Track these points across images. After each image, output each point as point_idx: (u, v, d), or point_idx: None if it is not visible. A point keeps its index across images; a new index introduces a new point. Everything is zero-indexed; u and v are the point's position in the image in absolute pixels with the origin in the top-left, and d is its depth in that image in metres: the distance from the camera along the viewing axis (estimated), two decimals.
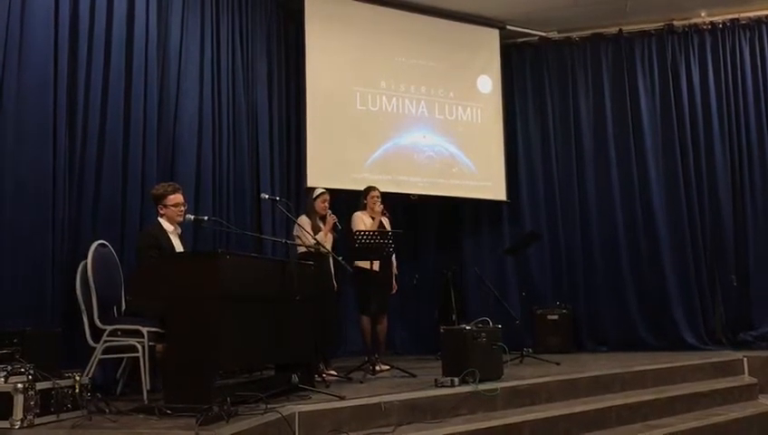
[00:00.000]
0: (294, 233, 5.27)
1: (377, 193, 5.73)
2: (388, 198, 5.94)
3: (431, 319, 7.26)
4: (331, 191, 5.54)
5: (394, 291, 5.87)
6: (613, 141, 7.56)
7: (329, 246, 5.36)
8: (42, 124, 4.20)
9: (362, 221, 5.65)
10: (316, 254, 5.04)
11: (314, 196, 5.44)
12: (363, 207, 5.75)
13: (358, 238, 5.11)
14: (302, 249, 5.19)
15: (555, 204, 7.67)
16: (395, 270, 5.85)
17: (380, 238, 5.16)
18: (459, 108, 7.58)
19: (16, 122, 4.09)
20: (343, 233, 5.45)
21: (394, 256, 5.77)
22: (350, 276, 5.37)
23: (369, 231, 5.26)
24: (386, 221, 5.86)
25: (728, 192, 7.17)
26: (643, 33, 7.64)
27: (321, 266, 5.16)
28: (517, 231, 7.63)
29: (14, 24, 4.12)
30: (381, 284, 5.56)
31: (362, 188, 5.92)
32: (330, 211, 5.36)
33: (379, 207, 5.67)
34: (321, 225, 5.33)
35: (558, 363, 5.47)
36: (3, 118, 4.03)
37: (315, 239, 5.01)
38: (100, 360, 3.96)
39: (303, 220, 5.36)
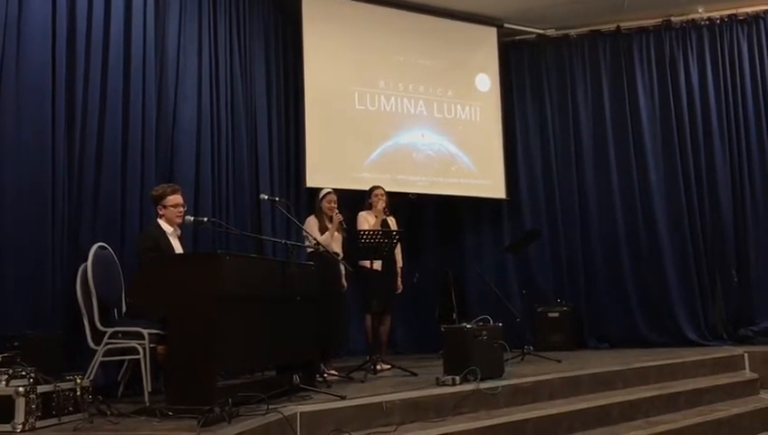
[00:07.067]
0: (303, 234, 5.29)
1: (380, 192, 5.74)
2: (387, 198, 5.93)
3: (432, 318, 7.26)
4: (333, 191, 5.55)
5: (399, 290, 5.87)
6: (612, 137, 7.56)
7: (338, 245, 5.37)
8: (40, 128, 4.20)
9: (366, 220, 5.68)
10: (323, 254, 5.03)
11: (320, 196, 5.47)
12: (368, 207, 5.76)
13: (361, 238, 5.12)
14: (310, 250, 5.21)
15: (555, 201, 7.67)
16: (399, 269, 5.84)
17: (383, 238, 5.17)
18: (458, 106, 7.58)
19: (15, 127, 4.09)
20: (349, 232, 5.45)
21: (400, 255, 5.79)
22: (352, 276, 5.38)
23: (372, 230, 5.27)
24: (392, 221, 5.87)
25: (728, 186, 7.16)
26: (641, 30, 7.63)
27: (331, 267, 5.17)
28: (517, 229, 7.63)
29: (11, 30, 4.11)
30: (383, 283, 5.55)
31: (362, 188, 5.92)
32: (336, 211, 5.37)
33: (381, 205, 5.68)
34: (329, 225, 5.35)
35: (559, 361, 5.46)
36: (1, 123, 4.03)
37: (317, 240, 5.02)
38: (102, 362, 3.96)
39: (311, 221, 5.39)
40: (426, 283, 7.56)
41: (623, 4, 7.26)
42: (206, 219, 4.42)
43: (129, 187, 4.76)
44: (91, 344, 3.97)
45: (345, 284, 5.51)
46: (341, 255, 5.37)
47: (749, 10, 7.34)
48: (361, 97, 7.05)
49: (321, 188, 5.62)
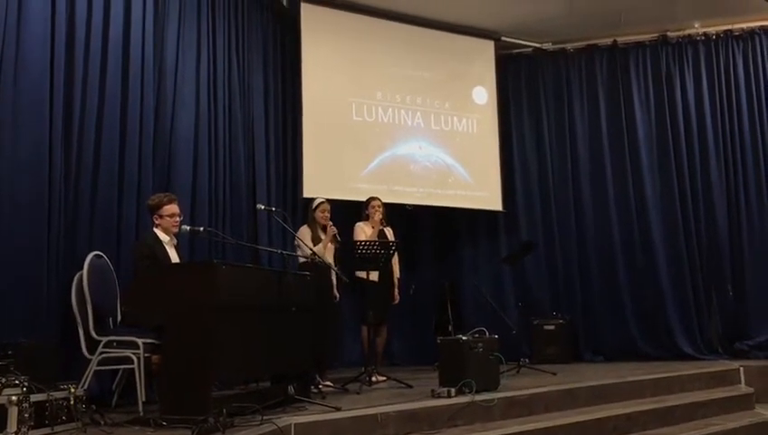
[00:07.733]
0: (295, 243, 5.28)
1: (377, 203, 5.75)
2: (384, 209, 5.93)
3: (428, 329, 7.26)
4: (327, 201, 5.55)
5: (396, 301, 5.86)
6: (608, 152, 7.59)
7: (330, 255, 5.35)
8: (38, 135, 4.18)
9: (363, 231, 5.68)
10: (316, 264, 5.02)
11: (314, 206, 5.46)
12: (365, 218, 5.76)
13: (358, 248, 5.11)
14: (302, 260, 5.19)
15: (551, 213, 7.69)
16: (396, 280, 5.83)
17: (380, 248, 5.16)
18: (455, 118, 7.61)
19: (12, 133, 4.07)
20: (343, 243, 5.43)
21: (397, 266, 5.79)
22: (349, 287, 5.37)
23: (369, 241, 5.26)
24: (389, 232, 5.87)
25: (723, 201, 7.19)
26: (638, 45, 7.69)
27: (323, 277, 5.15)
28: (513, 241, 7.63)
29: (9, 36, 4.10)
30: (380, 294, 5.54)
31: (358, 199, 5.92)
32: (330, 222, 5.36)
33: (378, 216, 5.68)
34: (322, 235, 5.33)
35: (554, 373, 5.46)
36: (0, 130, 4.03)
37: (312, 250, 5.01)
38: (96, 371, 3.94)
39: (304, 230, 5.38)
40: (422, 294, 7.55)
41: (620, 19, 7.31)
42: (201, 229, 4.40)
43: (125, 195, 4.75)
44: (86, 353, 3.94)
45: (337, 294, 5.49)
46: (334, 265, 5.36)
47: (744, 26, 7.40)
48: (359, 108, 7.07)
49: (316, 198, 5.62)
